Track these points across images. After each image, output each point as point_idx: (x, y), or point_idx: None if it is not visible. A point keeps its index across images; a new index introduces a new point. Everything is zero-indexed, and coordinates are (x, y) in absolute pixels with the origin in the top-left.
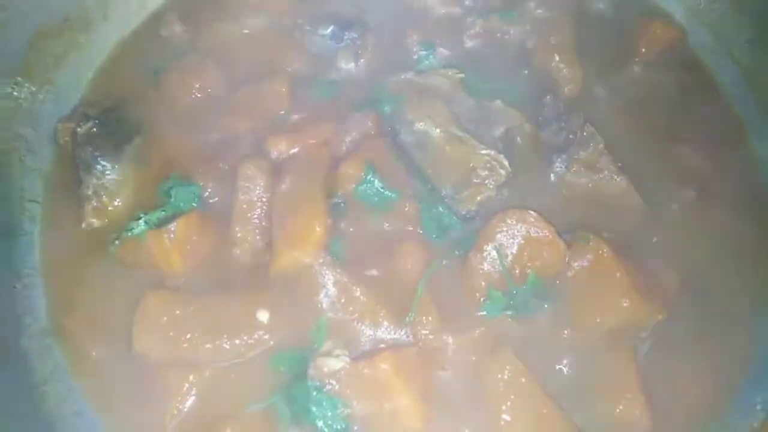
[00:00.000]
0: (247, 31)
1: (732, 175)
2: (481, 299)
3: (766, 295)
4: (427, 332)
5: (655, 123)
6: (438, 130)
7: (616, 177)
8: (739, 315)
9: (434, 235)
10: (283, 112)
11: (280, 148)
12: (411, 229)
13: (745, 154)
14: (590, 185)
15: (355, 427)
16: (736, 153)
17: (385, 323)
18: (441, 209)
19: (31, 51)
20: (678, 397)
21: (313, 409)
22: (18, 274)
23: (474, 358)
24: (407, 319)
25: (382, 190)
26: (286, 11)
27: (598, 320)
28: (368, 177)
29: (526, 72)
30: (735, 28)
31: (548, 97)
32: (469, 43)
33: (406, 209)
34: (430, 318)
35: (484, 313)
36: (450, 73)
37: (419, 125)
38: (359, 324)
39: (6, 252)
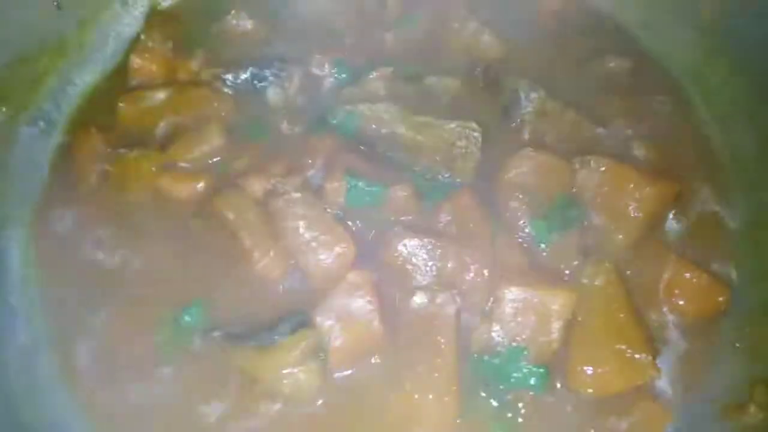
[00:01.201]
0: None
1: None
2: (527, 232)
3: None
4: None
5: (575, 58)
6: (403, 127)
7: (565, 114)
8: None
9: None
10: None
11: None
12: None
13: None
14: (546, 127)
15: None
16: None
17: None
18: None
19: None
20: None
21: None
22: None
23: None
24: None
25: (369, 188)
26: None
27: (633, 215)
28: (352, 183)
29: (446, 51)
30: None
31: (478, 69)
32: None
33: (402, 193)
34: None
35: (542, 245)
36: (379, 71)
37: (384, 130)
38: None
39: None
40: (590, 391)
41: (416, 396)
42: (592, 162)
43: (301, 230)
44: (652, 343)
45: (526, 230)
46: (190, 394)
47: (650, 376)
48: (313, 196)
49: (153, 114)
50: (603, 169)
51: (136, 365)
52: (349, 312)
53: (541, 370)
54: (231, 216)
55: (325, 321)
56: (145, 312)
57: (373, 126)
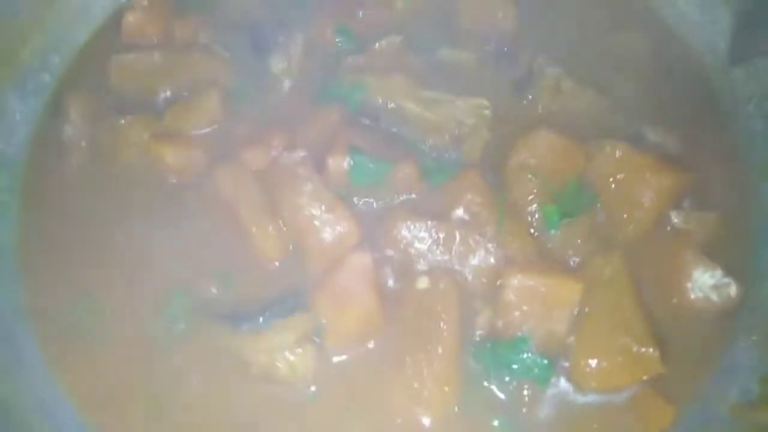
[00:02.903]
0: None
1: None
2: (536, 217)
3: None
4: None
5: (595, 33)
6: (411, 102)
7: (581, 92)
8: None
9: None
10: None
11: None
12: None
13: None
14: (561, 105)
15: None
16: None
17: None
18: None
19: None
20: None
21: None
22: None
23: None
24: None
25: (373, 165)
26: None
27: (646, 205)
28: (356, 159)
29: (460, 21)
30: None
31: (492, 42)
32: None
33: (406, 171)
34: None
35: (551, 231)
36: (388, 40)
37: (391, 104)
38: None
39: None
40: (594, 384)
41: (415, 384)
42: (607, 147)
43: (302, 207)
44: (660, 338)
45: (536, 215)
46: (181, 376)
47: (656, 372)
48: (315, 171)
49: (147, 77)
50: (619, 154)
51: (126, 347)
52: (348, 294)
53: (545, 361)
54: (229, 189)
55: (321, 303)
56: (134, 292)
57: (380, 99)
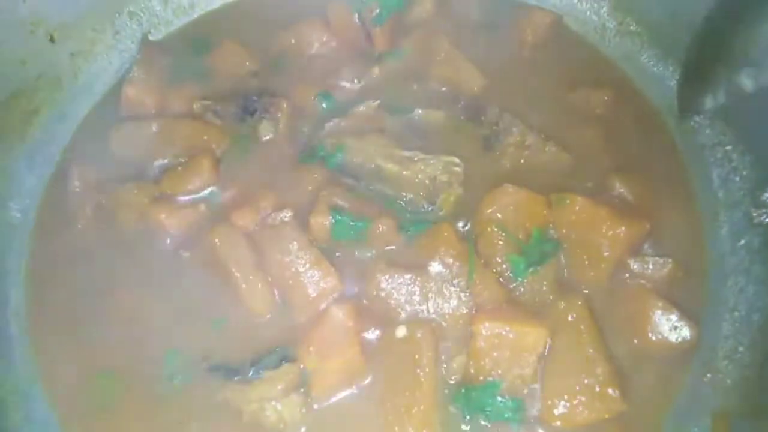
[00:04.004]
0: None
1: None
2: (504, 267)
3: None
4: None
5: (556, 90)
6: (388, 161)
7: (545, 147)
8: None
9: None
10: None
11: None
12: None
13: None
14: (526, 160)
15: None
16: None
17: None
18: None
19: None
20: None
21: None
22: None
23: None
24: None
25: (353, 223)
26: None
27: (606, 253)
28: (337, 218)
29: (431, 84)
30: None
31: (462, 102)
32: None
33: (385, 226)
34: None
35: (518, 279)
36: (366, 105)
37: (370, 165)
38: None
39: None
40: (559, 423)
41: (396, 429)
42: (568, 200)
43: (289, 264)
44: (622, 377)
45: (503, 265)
46: (182, 428)
47: (618, 410)
48: (300, 229)
49: (145, 145)
50: (578, 208)
51: (131, 404)
52: (331, 345)
53: (515, 403)
54: (221, 249)
55: (306, 354)
56: (135, 350)
57: (357, 160)
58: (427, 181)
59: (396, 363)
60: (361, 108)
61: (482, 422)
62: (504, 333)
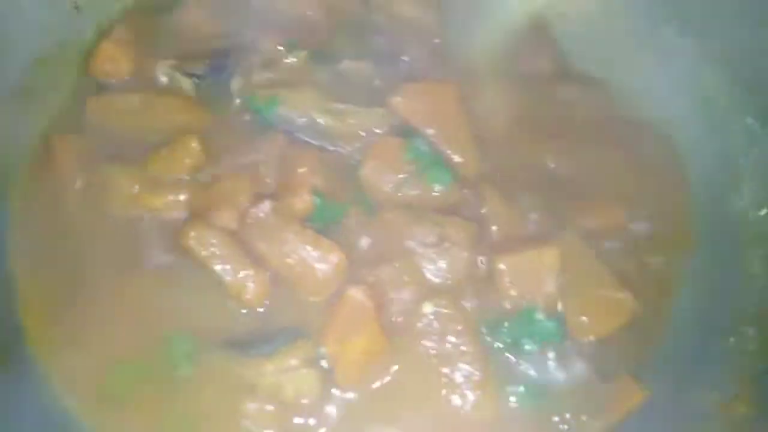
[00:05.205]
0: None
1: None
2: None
3: None
4: None
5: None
6: (321, 114)
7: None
8: None
9: None
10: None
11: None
12: None
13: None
14: None
15: None
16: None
17: None
18: None
19: None
20: None
21: None
22: None
23: None
24: None
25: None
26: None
27: None
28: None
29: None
30: None
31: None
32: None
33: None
34: None
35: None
36: (294, 57)
37: (301, 120)
38: None
39: None
40: (592, 336)
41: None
42: None
43: (290, 252)
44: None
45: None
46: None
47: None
48: (286, 216)
49: (125, 121)
50: None
51: (140, 393)
52: (352, 329)
53: (555, 322)
54: (203, 253)
55: (326, 338)
56: (135, 336)
57: (291, 113)
58: (362, 134)
59: (427, 338)
60: (289, 60)
61: (527, 347)
62: (523, 262)
